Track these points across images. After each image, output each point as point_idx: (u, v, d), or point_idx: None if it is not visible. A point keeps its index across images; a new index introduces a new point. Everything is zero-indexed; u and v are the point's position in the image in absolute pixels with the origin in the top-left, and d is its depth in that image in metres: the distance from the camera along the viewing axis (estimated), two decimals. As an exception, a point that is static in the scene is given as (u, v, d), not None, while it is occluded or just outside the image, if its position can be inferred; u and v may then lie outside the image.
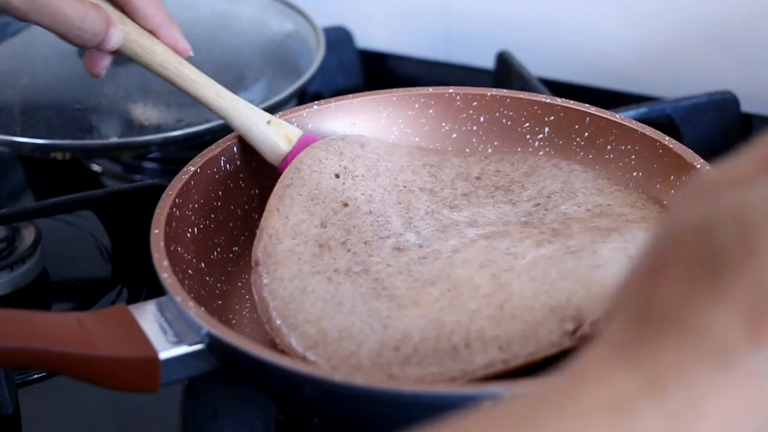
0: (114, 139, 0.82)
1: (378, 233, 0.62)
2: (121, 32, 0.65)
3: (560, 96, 0.72)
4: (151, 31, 0.66)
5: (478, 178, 0.68)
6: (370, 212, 0.64)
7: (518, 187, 0.67)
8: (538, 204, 0.65)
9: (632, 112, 0.81)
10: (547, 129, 0.70)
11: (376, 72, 1.05)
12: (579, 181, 0.66)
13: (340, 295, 0.58)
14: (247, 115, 0.66)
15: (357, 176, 0.65)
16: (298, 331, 0.56)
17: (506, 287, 0.56)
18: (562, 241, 0.59)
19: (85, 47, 0.65)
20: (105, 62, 0.66)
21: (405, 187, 0.66)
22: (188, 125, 0.82)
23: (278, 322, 0.57)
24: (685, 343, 0.32)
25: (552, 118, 0.70)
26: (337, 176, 0.65)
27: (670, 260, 0.33)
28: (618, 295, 0.35)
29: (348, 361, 0.54)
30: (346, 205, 0.64)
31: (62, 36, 0.64)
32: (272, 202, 0.63)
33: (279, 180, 0.64)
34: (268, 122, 0.67)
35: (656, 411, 0.31)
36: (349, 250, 0.61)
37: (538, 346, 0.52)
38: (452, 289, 0.57)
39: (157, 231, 0.58)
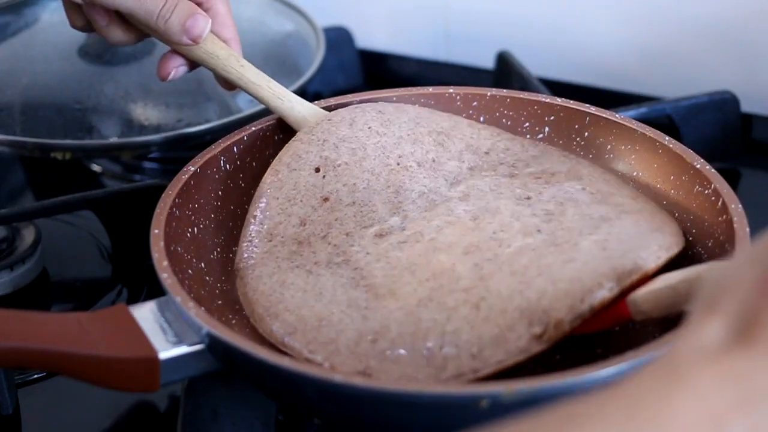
0: (114, 139, 0.82)
1: (361, 223, 0.62)
2: (208, 20, 0.65)
3: (560, 96, 0.72)
4: (224, 41, 0.67)
5: (486, 153, 0.68)
6: (353, 203, 0.63)
7: (522, 165, 0.67)
8: (539, 178, 0.65)
9: (632, 112, 0.81)
10: (547, 129, 0.70)
11: (376, 72, 1.05)
12: (586, 171, 0.66)
13: (320, 286, 0.58)
14: (304, 116, 0.67)
15: (339, 165, 0.65)
16: (279, 319, 0.57)
17: (486, 281, 0.56)
18: (551, 229, 0.59)
19: (171, 38, 0.65)
20: (176, 63, 0.67)
21: (399, 164, 0.65)
22: (188, 125, 0.82)
23: (260, 311, 0.58)
24: None
25: (552, 117, 0.70)
26: (317, 170, 0.65)
27: None
28: (717, 292, 0.35)
29: (326, 347, 0.54)
30: (326, 199, 0.64)
31: (146, 24, 0.64)
32: (251, 208, 0.64)
33: (259, 184, 0.65)
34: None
35: (747, 429, 0.31)
36: (329, 243, 0.61)
37: (508, 353, 0.52)
38: (431, 279, 0.57)
39: (157, 231, 0.58)
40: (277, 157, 0.66)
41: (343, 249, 0.61)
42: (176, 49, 0.66)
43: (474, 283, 0.56)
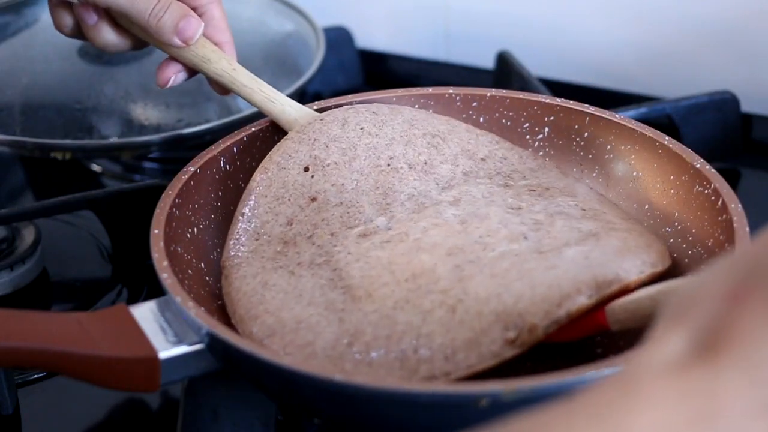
0: (114, 139, 0.82)
1: (347, 223, 0.62)
2: (201, 23, 0.65)
3: (560, 96, 0.72)
4: (217, 44, 0.67)
5: (483, 159, 0.67)
6: (341, 203, 0.63)
7: (518, 176, 0.66)
8: (534, 191, 0.64)
9: (632, 112, 0.81)
10: (546, 129, 0.70)
11: (376, 72, 1.05)
12: (582, 190, 0.66)
13: (301, 287, 0.58)
14: (296, 118, 0.67)
15: (329, 165, 0.65)
16: (259, 321, 0.57)
17: (465, 282, 0.56)
18: (538, 237, 0.58)
19: (162, 38, 0.64)
20: (175, 69, 0.66)
21: (389, 165, 0.65)
22: (188, 125, 0.82)
23: (241, 312, 0.58)
24: (745, 384, 0.31)
25: (552, 118, 0.70)
26: (306, 169, 0.65)
27: (752, 293, 0.32)
28: (685, 303, 0.34)
29: (303, 350, 0.54)
30: (314, 199, 0.64)
31: (138, 23, 0.64)
32: (239, 206, 0.64)
33: (249, 182, 0.65)
34: None
35: None
36: (314, 243, 0.61)
37: (480, 357, 0.52)
38: (410, 279, 0.57)
39: (157, 231, 0.58)
40: (267, 156, 0.66)
41: (327, 249, 0.61)
42: (166, 51, 0.66)
43: (452, 285, 0.56)
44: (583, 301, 0.53)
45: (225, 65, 0.66)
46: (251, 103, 0.67)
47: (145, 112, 0.84)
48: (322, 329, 0.55)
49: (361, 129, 0.66)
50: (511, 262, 0.56)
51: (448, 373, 0.52)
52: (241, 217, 0.63)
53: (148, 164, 0.92)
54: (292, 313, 0.57)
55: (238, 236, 0.63)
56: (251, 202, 0.64)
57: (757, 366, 0.31)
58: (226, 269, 0.62)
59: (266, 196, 0.64)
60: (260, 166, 0.65)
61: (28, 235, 0.75)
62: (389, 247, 0.59)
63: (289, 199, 0.64)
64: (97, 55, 0.87)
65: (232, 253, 0.62)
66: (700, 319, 0.33)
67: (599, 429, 0.31)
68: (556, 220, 0.60)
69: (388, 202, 0.63)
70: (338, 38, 1.01)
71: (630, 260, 0.56)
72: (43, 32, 0.92)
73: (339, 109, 0.68)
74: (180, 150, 0.85)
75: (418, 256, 0.58)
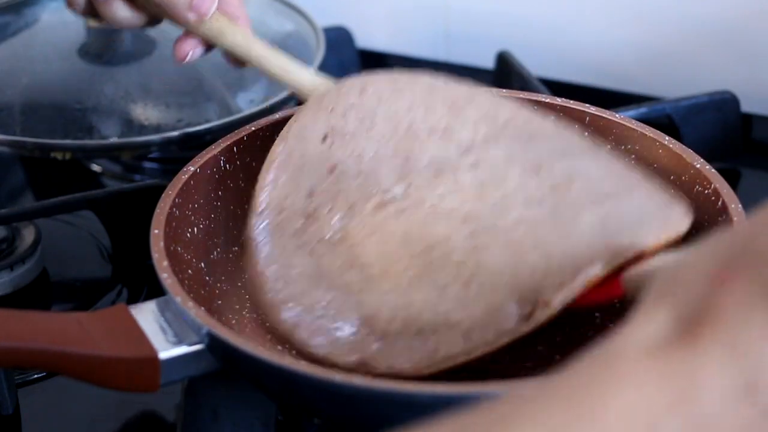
0: (114, 139, 0.81)
1: (365, 194, 0.61)
2: None
3: (560, 96, 0.71)
4: (232, 19, 0.67)
5: (504, 123, 0.63)
6: (360, 172, 0.62)
7: (541, 137, 0.63)
8: (554, 150, 0.61)
9: (632, 112, 0.81)
10: (547, 129, 0.70)
11: (376, 72, 1.04)
12: (603, 152, 0.63)
13: (321, 269, 0.58)
14: (315, 87, 0.66)
15: (346, 133, 0.63)
16: (285, 308, 0.56)
17: (480, 253, 0.55)
18: (555, 202, 0.56)
19: (178, 13, 0.64)
20: (192, 45, 0.66)
21: (408, 132, 0.63)
22: (188, 125, 0.82)
23: (265, 299, 0.57)
24: (727, 367, 0.30)
25: (552, 117, 0.70)
26: (324, 139, 0.63)
27: (738, 275, 0.31)
28: (671, 283, 0.33)
29: (327, 338, 0.54)
30: (333, 169, 0.62)
31: None
32: (260, 180, 0.62)
33: (268, 154, 0.63)
34: None
35: (680, 427, 0.30)
36: (333, 217, 0.60)
37: (497, 334, 0.52)
38: (423, 253, 0.56)
39: (157, 231, 0.58)
40: (285, 126, 0.64)
41: (344, 224, 0.60)
42: (181, 26, 0.66)
43: (466, 256, 0.55)
44: (597, 272, 0.51)
45: (239, 39, 0.66)
46: (268, 74, 0.67)
47: (145, 112, 0.84)
48: (342, 315, 0.55)
49: (379, 97, 0.65)
50: (526, 228, 0.55)
51: (467, 352, 0.52)
52: (262, 190, 0.62)
53: (148, 164, 0.92)
54: (314, 298, 0.56)
55: (260, 208, 0.61)
56: (272, 175, 0.62)
57: (739, 349, 0.30)
58: (248, 247, 0.60)
59: (287, 168, 0.62)
60: (279, 137, 0.64)
61: (28, 235, 0.75)
62: (404, 217, 0.58)
63: (309, 170, 0.62)
64: (97, 55, 0.87)
65: (251, 230, 0.60)
66: (684, 300, 0.32)
67: (573, 412, 0.30)
68: (575, 182, 0.58)
69: (408, 169, 0.62)
70: (338, 38, 1.01)
71: (648, 224, 0.54)
72: (43, 32, 0.92)
73: (356, 77, 0.66)
74: (180, 150, 0.85)
75: (433, 226, 0.57)
